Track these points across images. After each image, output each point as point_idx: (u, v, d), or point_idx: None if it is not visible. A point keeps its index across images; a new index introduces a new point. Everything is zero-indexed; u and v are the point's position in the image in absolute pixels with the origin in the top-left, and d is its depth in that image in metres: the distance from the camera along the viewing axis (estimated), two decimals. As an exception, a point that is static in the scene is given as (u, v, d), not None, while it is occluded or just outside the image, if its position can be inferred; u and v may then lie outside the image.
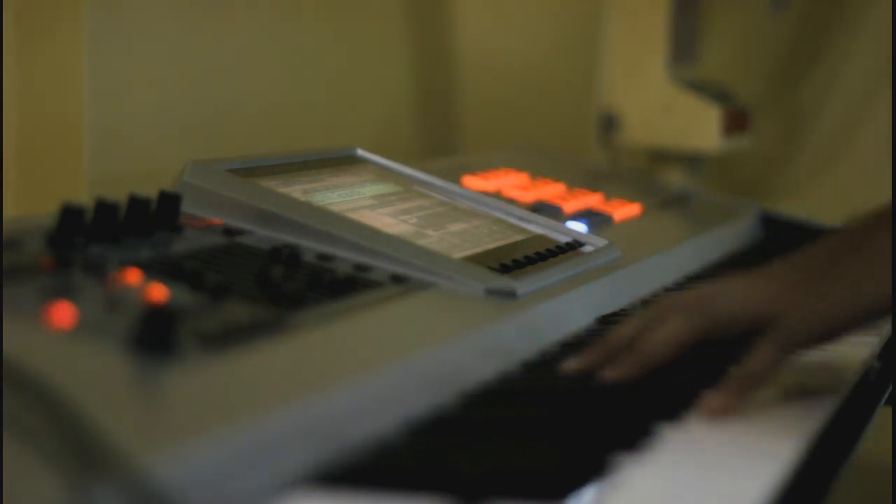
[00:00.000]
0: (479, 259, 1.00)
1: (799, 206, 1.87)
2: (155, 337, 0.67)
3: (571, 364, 0.87)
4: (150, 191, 0.91)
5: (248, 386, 0.68)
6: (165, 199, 0.92)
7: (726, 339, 0.86)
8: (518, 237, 1.11)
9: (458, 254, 0.99)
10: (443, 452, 0.70)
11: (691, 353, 0.87)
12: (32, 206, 1.22)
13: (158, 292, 0.75)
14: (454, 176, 1.27)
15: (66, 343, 0.67)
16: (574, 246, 1.12)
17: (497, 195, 1.27)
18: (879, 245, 0.84)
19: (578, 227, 1.21)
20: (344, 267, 0.92)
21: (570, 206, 1.31)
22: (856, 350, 0.99)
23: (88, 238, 0.83)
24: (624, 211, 1.37)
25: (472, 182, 1.31)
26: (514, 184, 1.35)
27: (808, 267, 0.87)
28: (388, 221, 1.03)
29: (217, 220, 0.97)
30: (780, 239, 1.45)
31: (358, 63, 1.71)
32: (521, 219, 1.16)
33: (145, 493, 0.54)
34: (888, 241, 0.84)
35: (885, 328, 1.06)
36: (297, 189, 1.02)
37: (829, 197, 1.99)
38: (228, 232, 0.95)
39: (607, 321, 1.03)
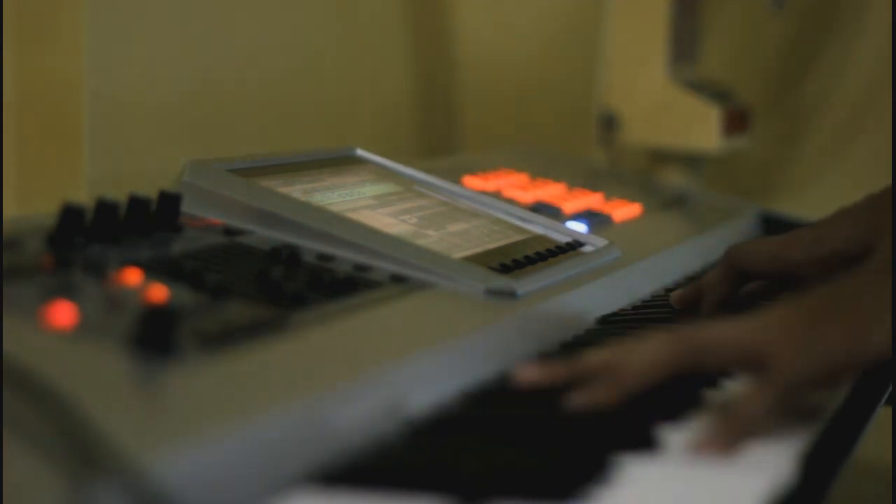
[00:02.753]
0: (479, 259, 1.00)
1: (799, 206, 1.87)
2: (155, 337, 0.67)
3: (528, 373, 0.81)
4: (150, 191, 0.91)
5: (248, 386, 0.68)
6: (165, 199, 0.92)
7: (710, 371, 0.81)
8: (518, 237, 1.11)
9: (458, 254, 0.99)
10: (443, 452, 0.70)
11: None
12: (32, 206, 1.22)
13: (158, 292, 0.75)
14: (454, 176, 1.27)
15: (66, 343, 0.67)
16: (574, 246, 1.12)
17: (497, 195, 1.27)
18: (882, 292, 0.79)
19: (578, 227, 1.21)
20: (344, 267, 0.92)
21: (570, 206, 1.31)
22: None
23: (88, 238, 0.83)
24: (624, 211, 1.37)
25: (472, 182, 1.31)
26: (514, 184, 1.35)
27: (806, 308, 0.80)
28: (388, 221, 1.03)
29: (217, 220, 0.97)
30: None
31: (358, 63, 1.71)
32: (521, 219, 1.16)
33: (145, 493, 0.54)
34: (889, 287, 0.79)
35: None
36: (297, 189, 1.02)
37: (829, 197, 1.99)
38: (228, 232, 0.95)
39: (607, 321, 1.03)
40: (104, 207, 0.84)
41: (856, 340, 0.77)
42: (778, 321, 0.79)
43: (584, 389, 0.78)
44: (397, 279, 0.93)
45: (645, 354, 0.78)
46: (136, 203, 0.88)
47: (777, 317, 0.79)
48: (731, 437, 0.73)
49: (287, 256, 0.91)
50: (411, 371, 0.77)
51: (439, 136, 1.96)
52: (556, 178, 1.43)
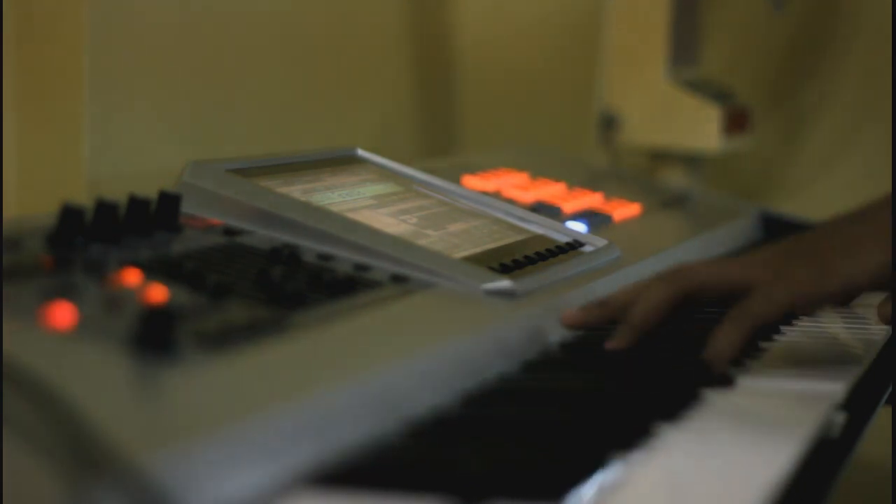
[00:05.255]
0: (479, 259, 1.00)
1: (799, 206, 1.87)
2: (155, 337, 0.67)
3: (573, 314, 0.95)
4: (150, 191, 0.91)
5: (248, 386, 0.68)
6: (165, 199, 0.92)
7: (705, 302, 0.94)
8: (518, 237, 1.11)
9: (458, 254, 0.99)
10: (443, 452, 0.70)
11: (692, 350, 0.89)
12: (32, 206, 1.22)
13: (158, 292, 0.75)
14: (454, 176, 1.27)
15: (66, 343, 0.67)
16: (574, 246, 1.12)
17: (497, 195, 1.27)
18: (848, 233, 0.95)
19: (578, 227, 1.21)
20: (344, 267, 0.92)
21: (570, 206, 1.31)
22: (855, 351, 1.00)
23: (88, 238, 0.83)
24: (624, 211, 1.37)
25: (472, 182, 1.31)
26: (514, 184, 1.35)
27: (783, 249, 0.96)
28: (388, 221, 1.03)
29: (217, 220, 0.97)
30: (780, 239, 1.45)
31: (358, 63, 1.71)
32: (521, 219, 1.16)
33: (145, 493, 0.54)
34: (867, 230, 0.94)
35: (886, 328, 1.06)
36: (297, 189, 1.02)
37: (828, 197, 1.99)
38: (228, 232, 0.95)
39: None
40: (104, 207, 0.84)
41: (821, 273, 0.92)
42: (760, 262, 0.95)
43: (610, 339, 0.92)
44: (397, 279, 0.93)
45: (648, 300, 0.92)
46: (136, 203, 0.88)
47: (760, 258, 0.96)
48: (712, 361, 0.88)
49: (287, 256, 0.91)
50: (411, 371, 0.77)
51: (439, 136, 1.96)
52: (556, 178, 1.43)
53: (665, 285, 0.93)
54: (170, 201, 0.92)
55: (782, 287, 0.91)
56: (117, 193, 0.88)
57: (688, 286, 0.93)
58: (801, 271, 0.93)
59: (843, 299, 0.95)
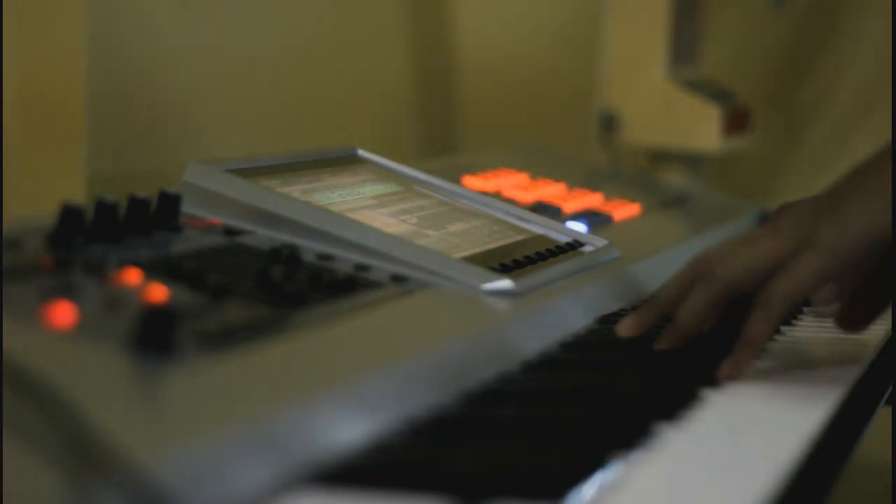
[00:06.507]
0: (479, 259, 1.00)
1: (799, 206, 1.86)
2: (155, 337, 0.67)
3: (629, 323, 0.96)
4: (150, 191, 0.91)
5: (248, 386, 0.68)
6: (165, 199, 0.92)
7: (747, 294, 0.94)
8: (518, 237, 1.11)
9: (458, 254, 1.00)
10: (443, 452, 0.70)
11: (692, 350, 0.90)
12: (32, 206, 1.22)
13: (158, 292, 0.75)
14: (454, 176, 1.27)
15: (66, 343, 0.67)
16: (574, 246, 1.12)
17: (497, 195, 1.27)
18: (866, 184, 0.98)
19: (578, 227, 1.21)
20: (344, 267, 0.92)
21: (570, 206, 1.31)
22: (855, 351, 1.00)
23: (88, 238, 0.83)
24: (624, 211, 1.37)
25: (472, 182, 1.31)
26: (514, 184, 1.35)
27: (804, 213, 0.94)
28: (389, 221, 1.03)
29: (217, 220, 0.97)
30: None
31: (358, 63, 1.71)
32: (521, 219, 1.16)
33: (145, 493, 0.54)
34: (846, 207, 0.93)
35: (885, 328, 1.06)
36: (297, 189, 1.02)
37: (829, 197, 1.99)
38: (228, 232, 0.95)
39: (607, 321, 1.03)
40: (104, 207, 0.84)
41: (842, 227, 0.91)
42: (790, 224, 0.93)
43: (658, 339, 0.94)
44: (397, 279, 0.93)
45: (691, 306, 0.93)
46: (136, 203, 0.88)
47: (784, 229, 0.93)
48: (742, 357, 0.89)
49: (287, 256, 0.91)
50: (411, 371, 0.77)
51: (440, 135, 1.97)
52: (556, 178, 1.43)
53: (705, 290, 0.94)
54: (170, 201, 0.92)
55: (807, 259, 0.91)
56: (117, 193, 0.88)
57: (727, 287, 0.93)
58: (825, 229, 0.92)
59: (866, 253, 0.92)
